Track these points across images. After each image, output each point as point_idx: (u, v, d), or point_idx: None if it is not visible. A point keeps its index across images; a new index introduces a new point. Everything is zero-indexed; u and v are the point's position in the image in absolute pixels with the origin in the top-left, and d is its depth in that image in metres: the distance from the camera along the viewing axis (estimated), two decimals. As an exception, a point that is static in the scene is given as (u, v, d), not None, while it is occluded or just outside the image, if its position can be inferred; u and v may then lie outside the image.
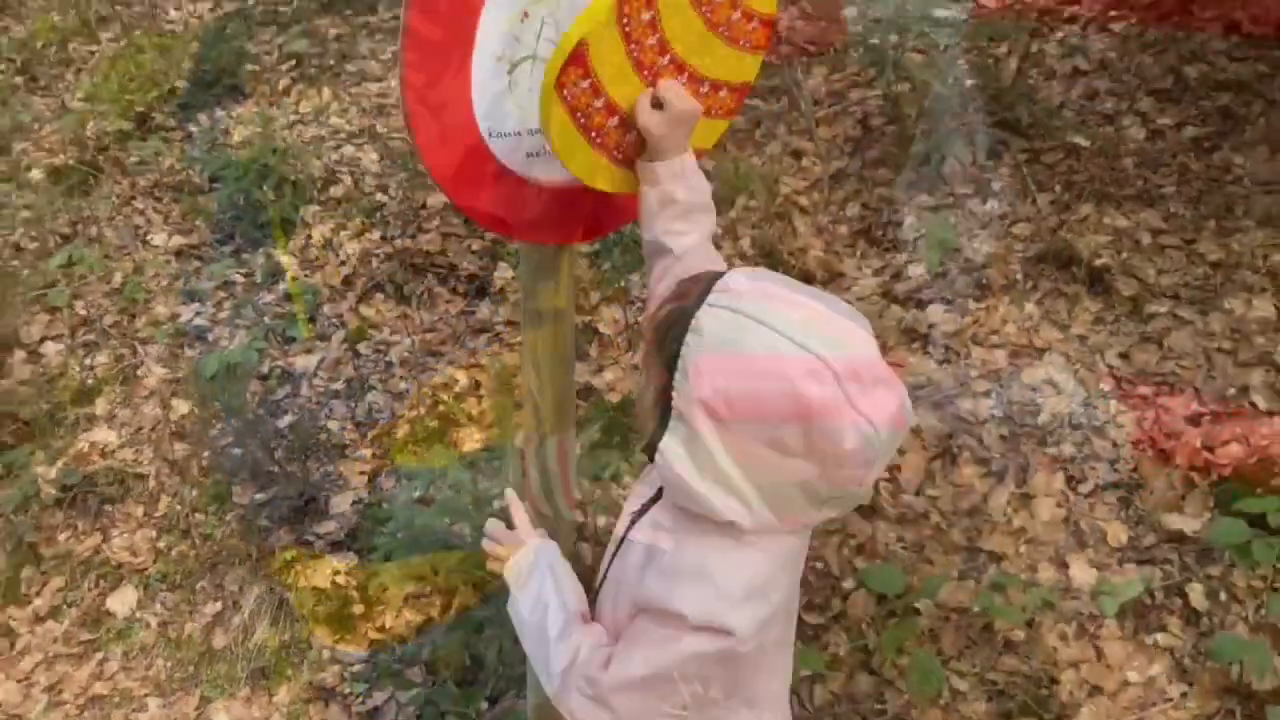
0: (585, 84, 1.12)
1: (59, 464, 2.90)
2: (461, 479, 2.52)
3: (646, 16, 1.12)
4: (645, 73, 1.17)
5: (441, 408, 2.89)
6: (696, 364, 0.95)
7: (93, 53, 4.59)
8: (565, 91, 1.10)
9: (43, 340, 3.29)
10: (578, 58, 1.09)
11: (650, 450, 1.04)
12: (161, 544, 2.73)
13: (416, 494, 2.59)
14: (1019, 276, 2.88)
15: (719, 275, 1.01)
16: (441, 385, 2.96)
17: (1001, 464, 2.50)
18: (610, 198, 1.30)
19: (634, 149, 1.23)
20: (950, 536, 2.37)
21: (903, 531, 2.40)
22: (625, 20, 1.10)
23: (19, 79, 4.51)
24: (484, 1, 1.16)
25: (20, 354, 3.24)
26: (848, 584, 2.29)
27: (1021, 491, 2.44)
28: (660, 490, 1.13)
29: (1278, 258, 2.78)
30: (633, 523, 1.18)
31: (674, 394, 0.98)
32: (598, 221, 1.46)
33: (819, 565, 2.32)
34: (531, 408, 1.54)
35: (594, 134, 1.17)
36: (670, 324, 1.01)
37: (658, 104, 1.18)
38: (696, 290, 1.00)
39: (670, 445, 0.99)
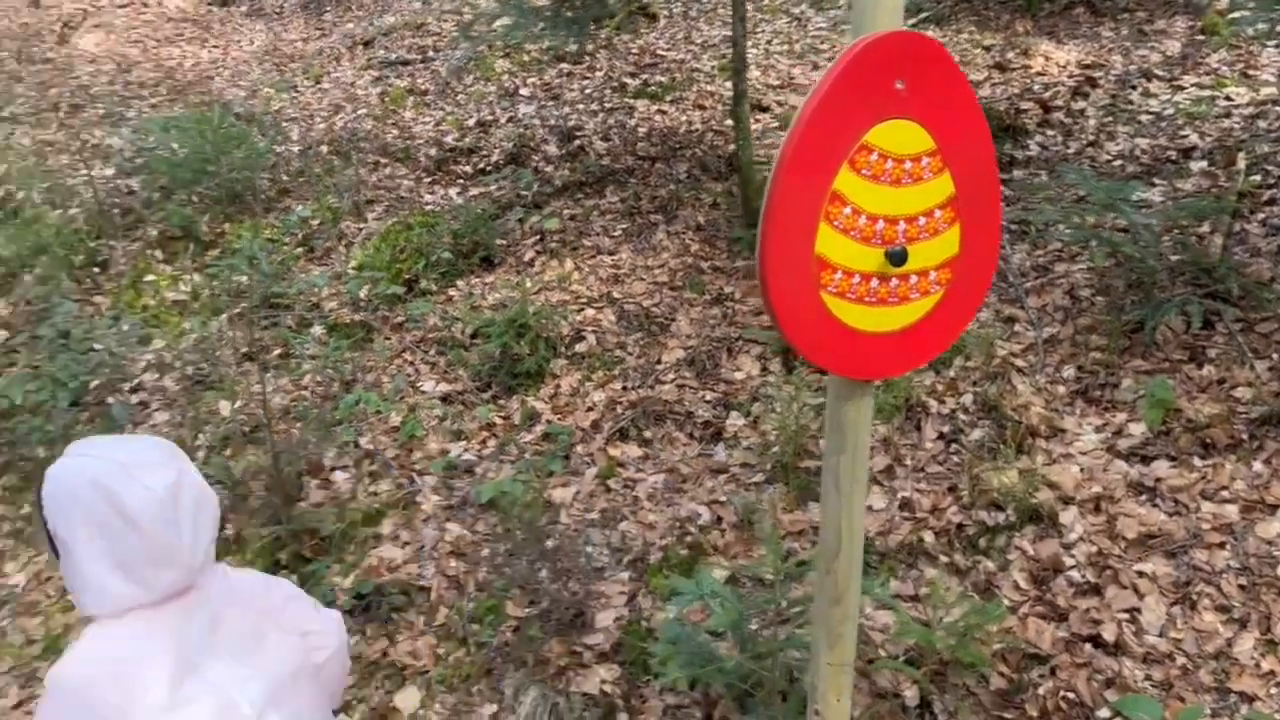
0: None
1: (352, 576, 3.31)
2: (717, 598, 2.77)
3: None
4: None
5: (689, 538, 3.18)
6: None
7: (360, 229, 5.34)
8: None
9: (333, 469, 3.80)
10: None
11: None
12: (441, 650, 3.06)
13: (674, 612, 2.85)
14: (1244, 436, 3.02)
15: None
16: (686, 518, 3.26)
17: (1244, 611, 2.58)
18: (918, 335, 1.57)
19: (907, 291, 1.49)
20: (1198, 676, 2.46)
21: (1149, 670, 2.50)
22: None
23: (299, 250, 5.29)
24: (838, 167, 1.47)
25: (314, 481, 3.75)
26: (1102, 714, 2.40)
27: (1267, 638, 2.52)
28: None
29: None
30: None
31: None
32: (907, 356, 1.71)
33: (1070, 695, 2.44)
34: (832, 527, 1.78)
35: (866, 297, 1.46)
36: None
37: None
38: None
39: None
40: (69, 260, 5.31)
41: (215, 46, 9.05)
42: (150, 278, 5.16)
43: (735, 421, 3.62)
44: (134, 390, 4.48)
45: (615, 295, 4.38)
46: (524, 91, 6.59)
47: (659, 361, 3.96)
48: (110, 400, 4.34)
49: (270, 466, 3.60)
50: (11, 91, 8.46)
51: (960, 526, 3.01)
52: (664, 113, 5.98)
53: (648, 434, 3.65)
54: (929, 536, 3.00)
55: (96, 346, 4.64)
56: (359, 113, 6.69)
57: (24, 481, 4.26)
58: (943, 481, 3.18)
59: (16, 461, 4.29)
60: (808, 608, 2.35)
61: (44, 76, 8.74)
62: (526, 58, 6.95)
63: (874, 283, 1.47)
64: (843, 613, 1.77)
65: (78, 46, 9.46)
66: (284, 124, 6.63)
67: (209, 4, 10.14)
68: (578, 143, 5.75)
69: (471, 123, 6.25)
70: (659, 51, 6.81)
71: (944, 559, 2.93)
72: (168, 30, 9.64)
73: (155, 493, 1.38)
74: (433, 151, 5.97)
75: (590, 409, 3.80)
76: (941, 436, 3.34)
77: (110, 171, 6.20)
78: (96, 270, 5.35)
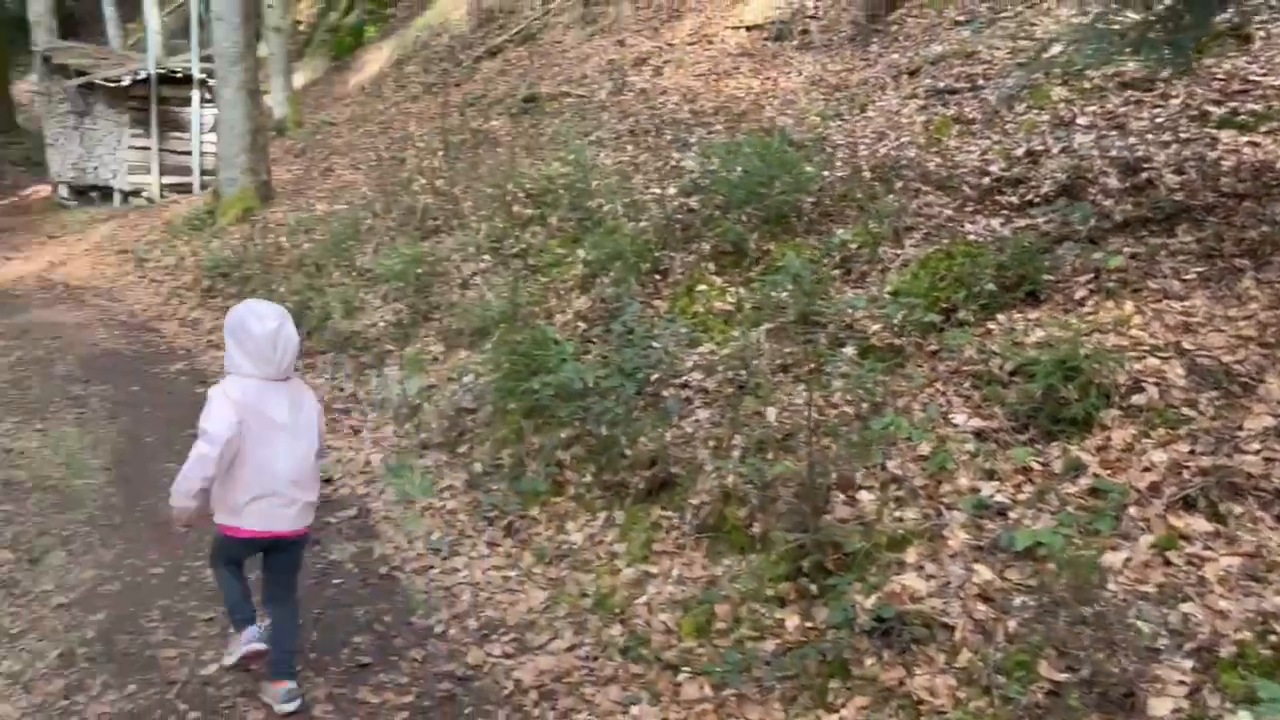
0: None
1: (874, 598, 3.31)
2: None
3: None
4: None
5: (1273, 637, 2.71)
6: None
7: (898, 254, 5.37)
8: None
9: (859, 488, 3.85)
10: None
11: None
12: (961, 694, 2.95)
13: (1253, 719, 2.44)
14: None
15: None
16: (1272, 614, 2.78)
17: None
18: None
19: None
20: None
21: None
22: None
23: (837, 271, 5.46)
24: None
25: (841, 496, 3.83)
26: None
27: None
28: None
29: None
30: None
31: None
32: None
33: None
34: None
35: None
36: None
37: None
38: None
39: None
40: (638, 266, 6.02)
41: (767, 78, 9.73)
42: (702, 287, 5.67)
43: (1343, 511, 3.02)
44: (682, 386, 4.95)
45: (1185, 346, 3.89)
46: (1081, 120, 6.16)
47: (1239, 427, 3.44)
48: (665, 393, 4.84)
49: (803, 476, 3.75)
50: (599, 119, 9.86)
51: None
52: (1256, 145, 5.21)
53: (1222, 508, 3.18)
54: None
55: (654, 344, 5.21)
56: (902, 140, 6.75)
57: (589, 453, 4.90)
58: None
59: (585, 435, 4.96)
60: None
61: (624, 106, 10.07)
62: (1087, 85, 6.49)
63: None
64: None
65: (652, 81, 10.75)
66: (829, 150, 6.91)
67: (764, 40, 10.93)
68: (1144, 175, 5.22)
69: (1020, 152, 5.98)
70: (1252, 77, 5.96)
71: None
72: (727, 64, 10.57)
73: (266, 327, 3.33)
74: (977, 181, 5.81)
75: (1148, 469, 3.41)
76: None
77: (673, 190, 6.93)
78: (658, 277, 6.01)
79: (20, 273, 11.72)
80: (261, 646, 3.45)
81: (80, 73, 15.59)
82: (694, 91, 9.84)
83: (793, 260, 5.17)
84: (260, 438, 3.28)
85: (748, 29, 11.38)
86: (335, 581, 4.42)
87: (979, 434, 3.90)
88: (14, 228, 14.89)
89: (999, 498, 3.54)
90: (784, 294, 5.15)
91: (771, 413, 4.35)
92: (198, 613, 4.14)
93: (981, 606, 3.14)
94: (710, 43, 11.48)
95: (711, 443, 4.50)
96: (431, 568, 4.53)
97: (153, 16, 18.94)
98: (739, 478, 4.13)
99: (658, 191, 6.90)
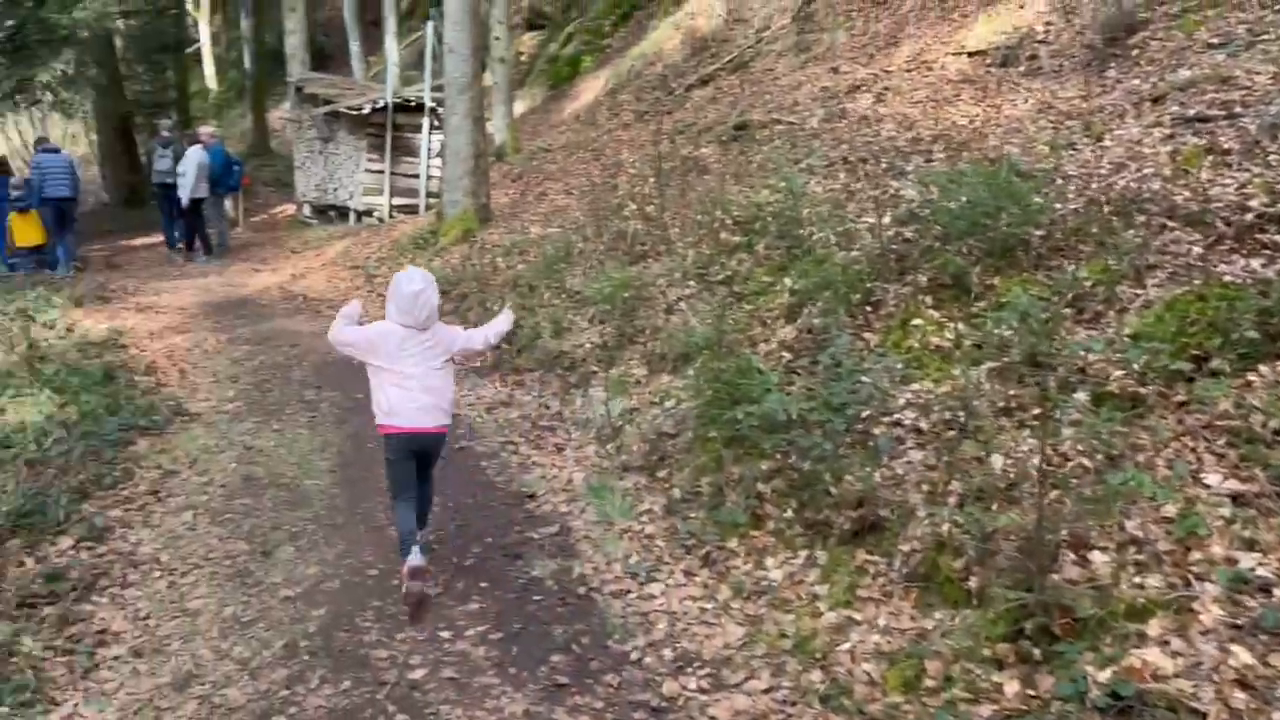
0: None
1: (1109, 671, 3.01)
2: None
3: None
4: None
5: None
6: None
7: (1138, 295, 4.94)
8: None
9: (1092, 548, 3.53)
10: None
11: None
12: (1214, 792, 2.62)
13: None
14: None
15: None
16: None
17: None
18: None
19: None
20: None
21: None
22: None
23: (1067, 310, 5.08)
24: None
25: (1071, 555, 3.52)
26: None
27: None
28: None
29: None
30: None
31: None
32: None
33: None
34: None
35: None
36: None
37: None
38: None
39: None
40: (848, 297, 5.84)
41: (991, 105, 9.29)
42: (917, 321, 5.43)
43: None
44: (894, 424, 4.74)
45: None
46: (1363, 151, 5.50)
47: None
48: (876, 431, 4.65)
49: (1030, 530, 3.48)
50: (811, 146, 9.73)
51: None
52: None
53: None
54: None
55: (864, 379, 5.02)
56: (1144, 171, 6.24)
57: (791, 488, 4.77)
58: None
59: (787, 469, 4.83)
60: None
61: (837, 134, 9.89)
62: (1371, 111, 5.78)
63: None
64: None
65: (865, 108, 10.52)
66: (1059, 180, 6.49)
67: (988, 66, 10.47)
68: None
69: (1287, 185, 5.39)
70: None
71: None
72: (947, 91, 10.18)
73: (411, 289, 4.45)
74: (1234, 216, 5.28)
75: None
76: None
77: (887, 219, 6.70)
78: (869, 309, 5.81)
79: (267, 283, 12.81)
80: (421, 562, 4.36)
81: (326, 101, 16.93)
82: (911, 119, 9.53)
83: (1020, 296, 4.87)
84: (398, 367, 4.45)
85: (970, 55, 10.94)
86: (535, 598, 4.50)
87: (1236, 498, 3.49)
88: (263, 242, 16.32)
89: (1261, 571, 3.15)
90: (1009, 332, 4.84)
91: (998, 461, 4.06)
92: (408, 617, 4.31)
93: (1240, 694, 2.79)
94: (929, 69, 11.11)
95: (925, 487, 4.27)
96: (629, 591, 4.53)
97: (392, 50, 20.39)
98: (955, 526, 3.89)
99: (871, 220, 6.69)
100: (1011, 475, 4.00)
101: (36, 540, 5.08)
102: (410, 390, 4.44)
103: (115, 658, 4.09)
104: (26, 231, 13.93)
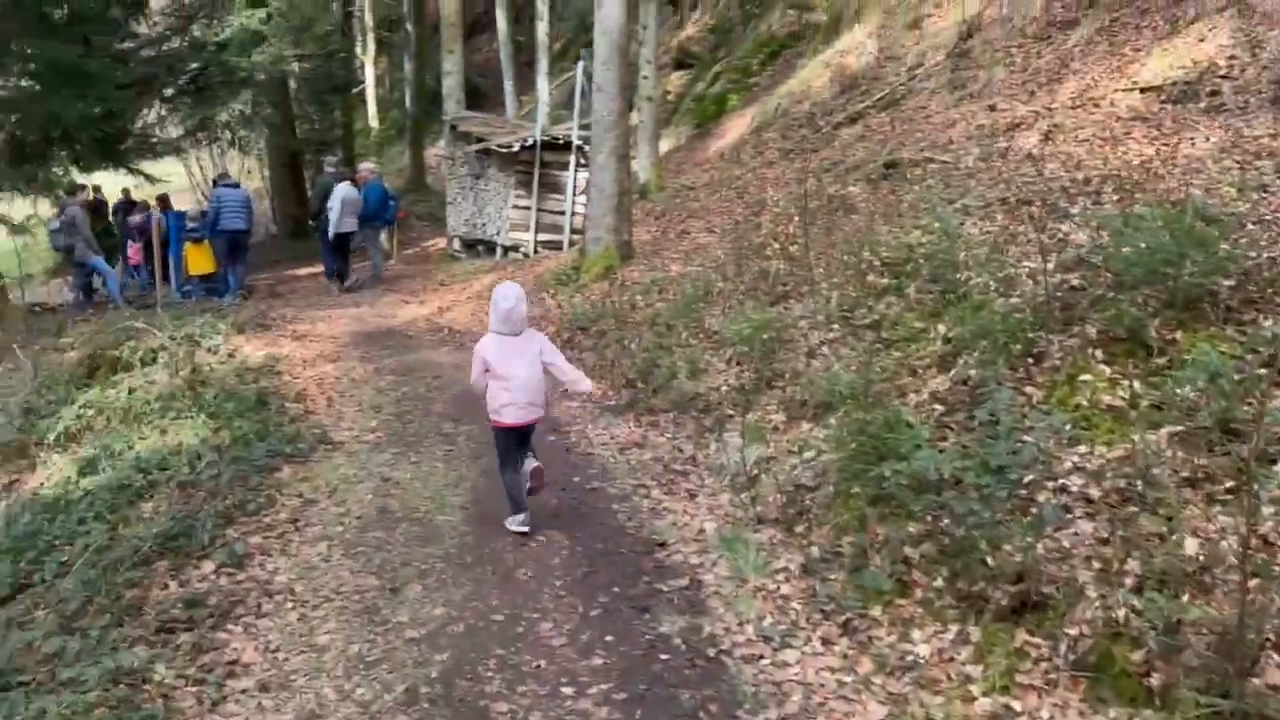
0: None
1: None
2: None
3: None
4: None
5: None
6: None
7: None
8: None
9: (1301, 649, 3.06)
10: None
11: None
12: None
13: None
14: None
15: None
16: None
17: None
18: None
19: None
20: None
21: None
22: None
23: (1264, 370, 4.55)
24: None
25: (1275, 658, 3.06)
26: None
27: None
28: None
29: None
30: None
31: None
32: None
33: None
34: None
35: None
36: None
37: None
38: None
39: None
40: (1008, 348, 5.44)
41: (1167, 144, 8.64)
42: (1086, 377, 4.98)
43: None
44: (1059, 490, 4.32)
45: None
46: None
47: None
48: (1040, 497, 4.24)
49: (1226, 625, 3.04)
50: (966, 186, 9.28)
51: None
52: None
53: None
54: None
55: (1026, 438, 4.62)
56: (1353, 217, 5.60)
57: (942, 554, 4.41)
58: None
59: (938, 533, 4.47)
60: None
61: (995, 173, 9.40)
62: None
63: None
64: None
65: (1027, 146, 9.97)
66: (1251, 225, 5.90)
67: (1163, 103, 9.77)
68: None
69: None
70: None
71: None
72: (1116, 129, 9.55)
73: (506, 305, 5.52)
74: None
75: None
76: None
77: (1052, 264, 6.23)
78: (1031, 361, 5.37)
79: (414, 315, 13.15)
80: (526, 529, 5.60)
81: (479, 139, 17.42)
82: (1077, 158, 8.96)
83: (1208, 353, 4.38)
84: (504, 371, 5.47)
85: (1142, 91, 10.25)
86: (662, 657, 4.28)
87: None
88: (414, 275, 16.84)
89: None
90: (1194, 393, 4.36)
91: (1188, 542, 3.61)
92: (529, 669, 4.16)
93: None
94: (1097, 106, 10.46)
95: (1096, 564, 3.84)
96: (761, 657, 4.25)
97: (543, 89, 20.87)
98: (1133, 612, 3.47)
99: (1034, 265, 6.24)
100: (1201, 558, 3.54)
101: (181, 564, 5.22)
102: (513, 393, 5.50)
103: (243, 690, 4.10)
104: (200, 261, 14.83)
